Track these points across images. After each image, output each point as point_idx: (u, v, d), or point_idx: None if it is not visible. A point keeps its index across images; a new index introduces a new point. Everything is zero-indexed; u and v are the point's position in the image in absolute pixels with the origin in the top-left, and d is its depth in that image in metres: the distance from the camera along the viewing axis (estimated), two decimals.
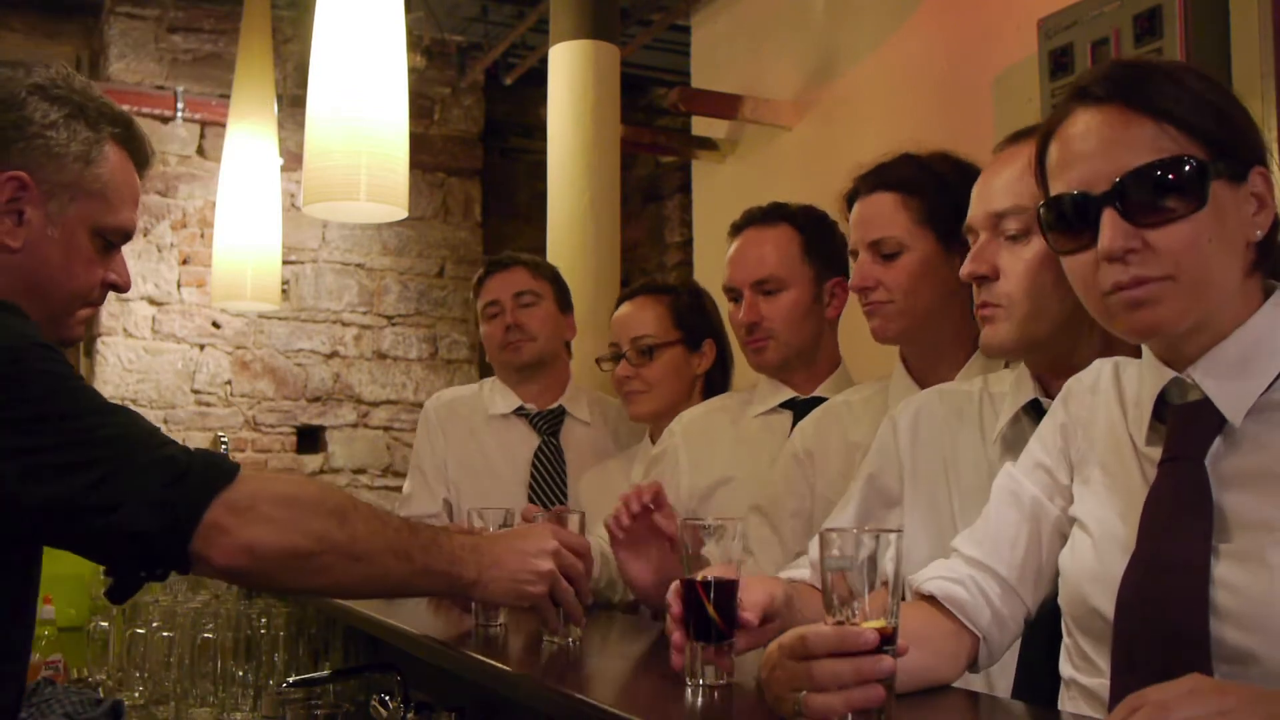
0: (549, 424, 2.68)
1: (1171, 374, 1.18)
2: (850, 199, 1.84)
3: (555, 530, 1.53)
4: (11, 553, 1.28)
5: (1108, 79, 1.18)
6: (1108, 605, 1.15)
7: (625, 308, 2.49)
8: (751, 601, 1.28)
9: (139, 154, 1.45)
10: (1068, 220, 1.18)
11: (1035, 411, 1.49)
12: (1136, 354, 1.41)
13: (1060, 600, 1.27)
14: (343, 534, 1.29)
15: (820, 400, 2.13)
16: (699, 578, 1.26)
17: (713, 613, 1.25)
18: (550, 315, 2.69)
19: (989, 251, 1.46)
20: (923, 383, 1.78)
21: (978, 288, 1.47)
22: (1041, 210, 1.22)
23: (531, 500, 2.56)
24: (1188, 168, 1.12)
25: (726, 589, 1.25)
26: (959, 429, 1.59)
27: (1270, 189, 1.15)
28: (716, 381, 2.49)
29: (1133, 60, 1.26)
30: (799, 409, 2.15)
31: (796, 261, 2.14)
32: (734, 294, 2.17)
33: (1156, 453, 1.19)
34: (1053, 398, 1.46)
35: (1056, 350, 1.48)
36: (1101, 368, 1.32)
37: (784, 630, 1.23)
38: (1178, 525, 1.12)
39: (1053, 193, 1.21)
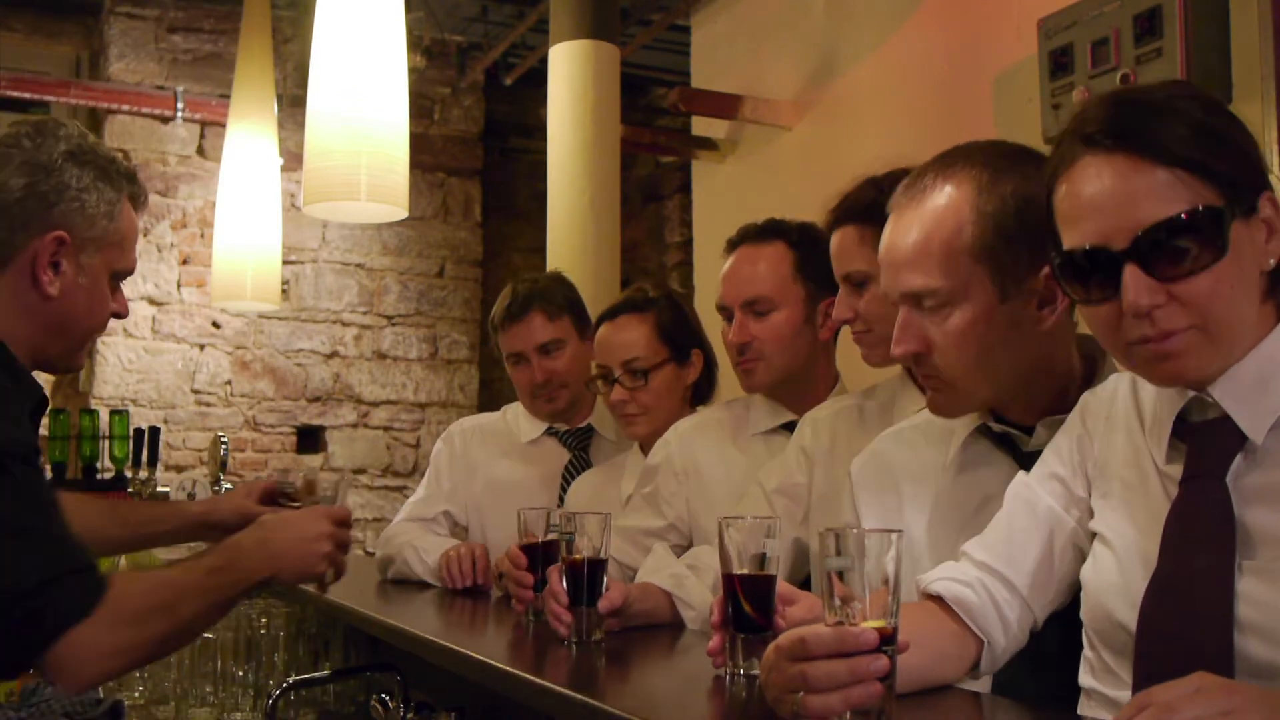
0: (578, 440, 2.67)
1: (1191, 393, 1.18)
2: (830, 228, 1.85)
3: (323, 512, 1.71)
4: None
5: (1112, 123, 1.15)
6: (1131, 619, 1.15)
7: (607, 329, 2.42)
8: (792, 614, 1.31)
9: (141, 202, 1.68)
10: (1085, 274, 1.16)
11: (987, 434, 1.48)
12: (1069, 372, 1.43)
13: (1082, 613, 1.26)
14: (171, 623, 1.47)
15: None
16: (736, 573, 1.32)
17: (746, 605, 1.30)
18: (576, 355, 2.61)
19: (915, 327, 1.40)
20: None
21: (916, 362, 1.43)
22: (1057, 262, 1.20)
23: None
24: (1207, 219, 1.10)
25: (760, 584, 1.31)
26: (911, 466, 1.57)
27: (1278, 210, 1.15)
28: (703, 387, 2.47)
29: (1130, 96, 1.20)
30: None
31: (788, 281, 2.11)
32: (726, 312, 2.16)
33: (1177, 470, 1.19)
34: (1002, 421, 1.46)
35: (1012, 396, 1.46)
36: (1118, 383, 1.31)
37: None
38: (1200, 543, 1.12)
39: (1066, 245, 1.18)
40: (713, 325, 2.51)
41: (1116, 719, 0.90)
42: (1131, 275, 1.11)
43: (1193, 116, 1.13)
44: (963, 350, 1.38)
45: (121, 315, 1.68)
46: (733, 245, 2.20)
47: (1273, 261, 1.14)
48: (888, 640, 1.04)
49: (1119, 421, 1.28)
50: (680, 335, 2.41)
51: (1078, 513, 1.30)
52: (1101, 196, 1.14)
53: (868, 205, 1.71)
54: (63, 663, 1.36)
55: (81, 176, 1.56)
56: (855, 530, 1.08)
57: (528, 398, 2.65)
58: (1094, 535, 1.28)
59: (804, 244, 2.13)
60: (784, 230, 2.16)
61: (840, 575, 1.05)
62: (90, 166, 1.57)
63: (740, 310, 2.12)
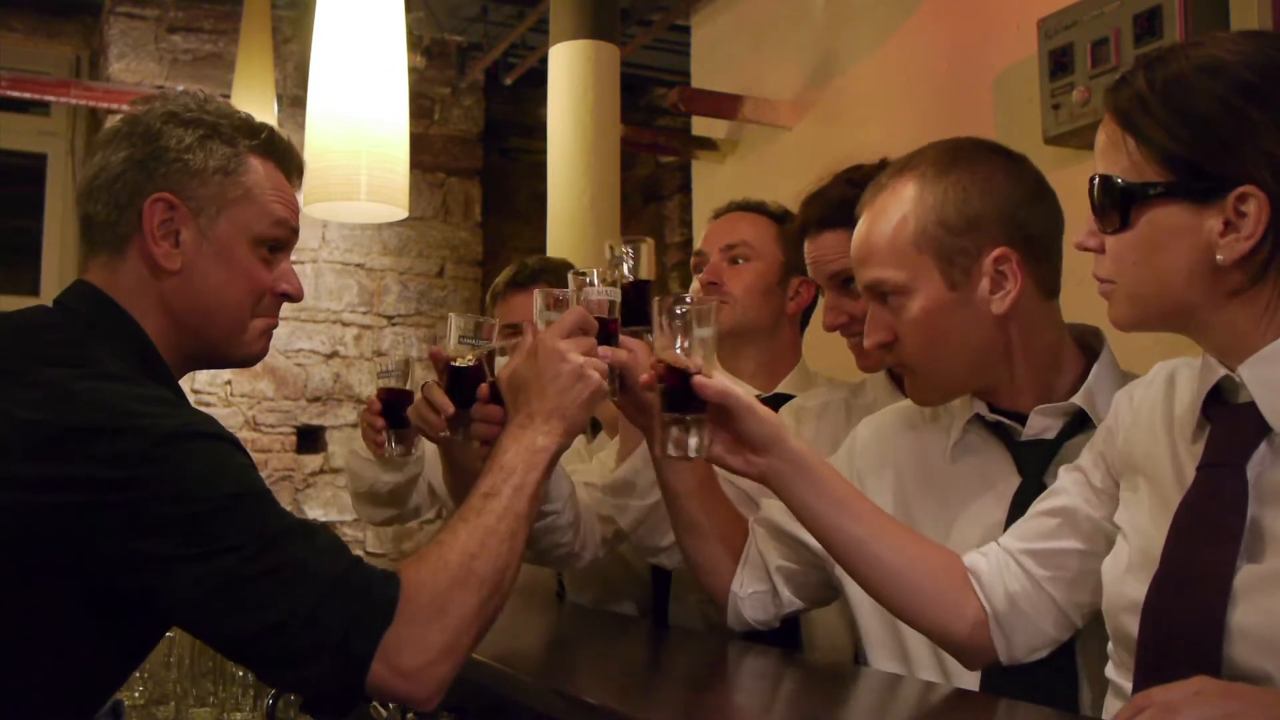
0: None
1: (1223, 371, 1.15)
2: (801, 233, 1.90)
3: (537, 342, 1.44)
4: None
5: (1115, 87, 1.18)
6: (1136, 613, 1.14)
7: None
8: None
9: (285, 161, 1.45)
10: None
11: (980, 423, 1.50)
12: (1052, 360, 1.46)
13: (1102, 607, 1.26)
14: (478, 589, 1.25)
15: (784, 397, 2.13)
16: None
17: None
18: None
19: (882, 318, 1.47)
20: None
21: (888, 352, 1.50)
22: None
23: None
24: (1109, 191, 1.14)
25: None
26: (912, 445, 1.60)
27: (1259, 210, 1.07)
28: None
29: (1155, 60, 1.18)
30: None
31: (770, 241, 2.18)
32: (702, 258, 2.19)
33: (1201, 451, 1.16)
34: (997, 411, 1.49)
35: (986, 382, 1.49)
36: (1159, 371, 1.30)
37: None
38: (1205, 537, 1.10)
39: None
40: None
41: (1115, 718, 0.90)
42: (1090, 217, 1.19)
43: (1186, 96, 1.11)
44: (921, 337, 1.44)
45: (293, 296, 1.44)
46: (718, 213, 2.28)
47: (1222, 258, 1.09)
48: (687, 376, 1.35)
49: (1145, 412, 1.27)
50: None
51: (1099, 504, 1.32)
52: (1098, 144, 1.20)
53: (847, 205, 1.73)
54: (394, 685, 1.17)
55: (184, 137, 1.36)
56: (690, 300, 1.36)
57: None
58: (1118, 530, 1.28)
59: (788, 220, 2.18)
60: (769, 208, 2.24)
61: (675, 327, 1.37)
62: (196, 125, 1.37)
63: (719, 253, 2.17)
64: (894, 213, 1.45)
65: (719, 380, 1.39)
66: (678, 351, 1.38)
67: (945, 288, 1.42)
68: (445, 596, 1.21)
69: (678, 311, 1.39)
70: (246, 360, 1.46)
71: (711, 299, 1.46)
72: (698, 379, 1.37)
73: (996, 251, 1.40)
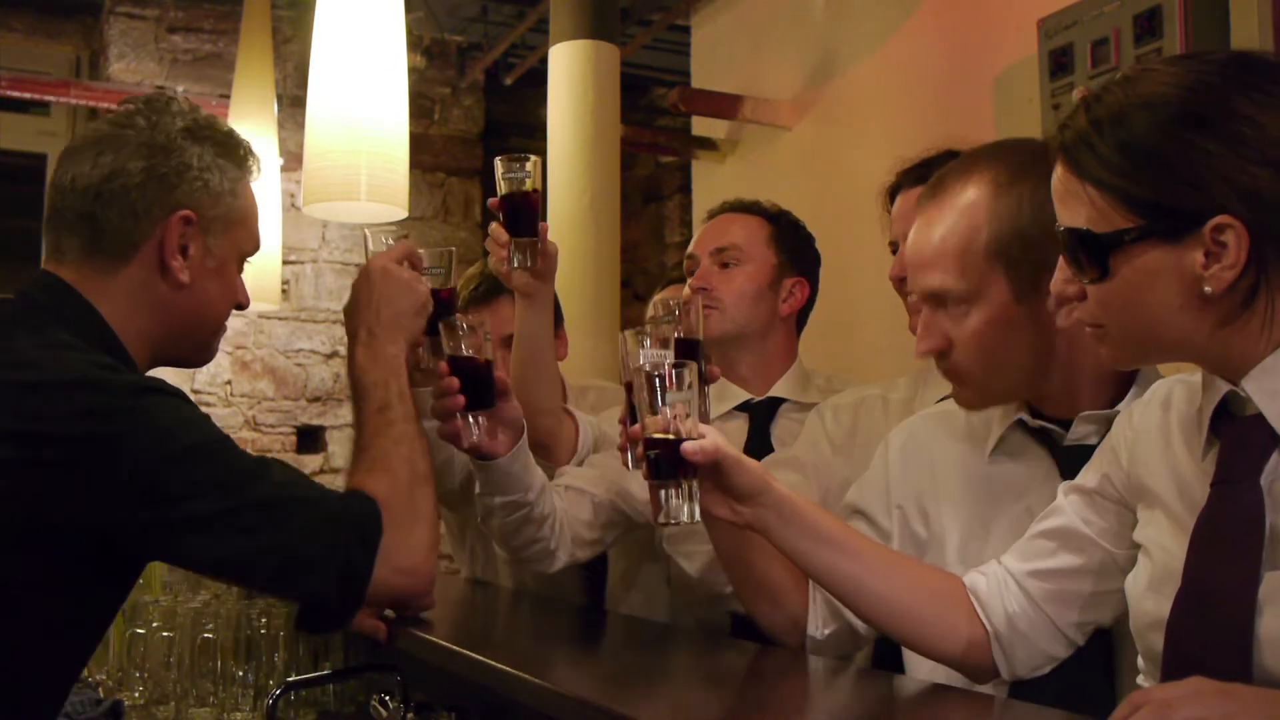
0: None
1: (1227, 387, 1.14)
2: (893, 192, 1.86)
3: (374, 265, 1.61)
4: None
5: (1060, 132, 1.17)
6: (1161, 630, 1.14)
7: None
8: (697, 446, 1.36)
9: (256, 174, 1.56)
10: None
11: (1022, 428, 1.49)
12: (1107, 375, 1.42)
13: (1130, 624, 1.26)
14: (429, 482, 1.43)
15: (776, 400, 2.11)
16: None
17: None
18: None
19: (937, 324, 1.43)
20: None
21: (938, 359, 1.46)
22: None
23: None
24: (1084, 244, 1.13)
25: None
26: (948, 448, 1.58)
27: (1238, 238, 1.06)
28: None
29: (1094, 104, 1.16)
30: (754, 411, 2.11)
31: (760, 243, 2.14)
32: (693, 261, 2.16)
33: (1210, 467, 1.15)
34: (1039, 416, 1.47)
35: (1037, 391, 1.47)
36: (1156, 390, 1.30)
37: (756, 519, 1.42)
38: (1226, 552, 1.09)
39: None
40: None
41: (1112, 717, 0.90)
42: (1060, 264, 1.18)
43: (1133, 135, 1.10)
44: (980, 349, 1.41)
45: (243, 305, 1.55)
46: (711, 214, 2.24)
47: (1208, 289, 1.07)
48: (672, 443, 1.33)
49: (1145, 433, 1.27)
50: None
51: (1101, 524, 1.31)
52: (1056, 192, 1.19)
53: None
54: (399, 584, 1.34)
55: (202, 155, 1.45)
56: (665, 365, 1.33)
57: None
58: (1138, 546, 1.27)
59: (780, 220, 2.18)
60: (762, 207, 2.20)
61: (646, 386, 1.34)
62: (209, 142, 1.46)
63: (708, 257, 2.14)
64: (964, 219, 1.40)
65: (708, 441, 1.35)
66: (663, 416, 1.34)
67: (1012, 300, 1.39)
68: (413, 500, 1.38)
69: (655, 379, 1.34)
70: (202, 364, 1.58)
71: (688, 363, 1.37)
72: (687, 445, 1.34)
73: None
